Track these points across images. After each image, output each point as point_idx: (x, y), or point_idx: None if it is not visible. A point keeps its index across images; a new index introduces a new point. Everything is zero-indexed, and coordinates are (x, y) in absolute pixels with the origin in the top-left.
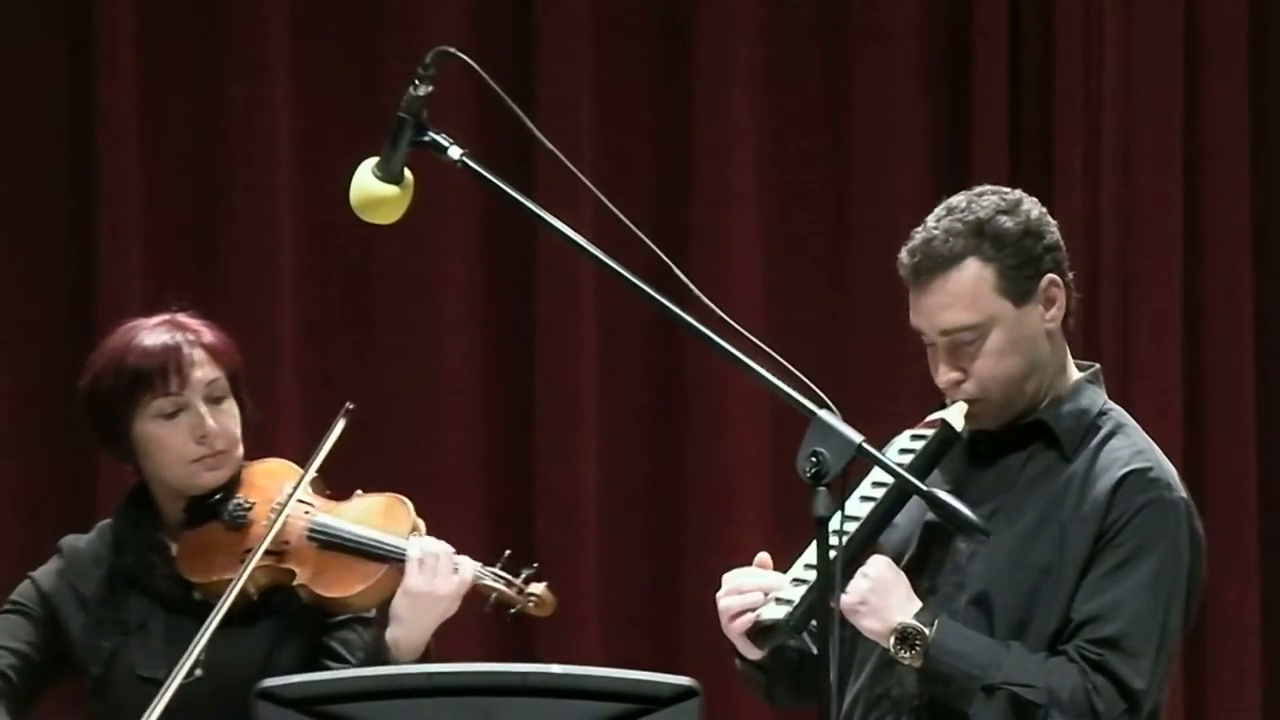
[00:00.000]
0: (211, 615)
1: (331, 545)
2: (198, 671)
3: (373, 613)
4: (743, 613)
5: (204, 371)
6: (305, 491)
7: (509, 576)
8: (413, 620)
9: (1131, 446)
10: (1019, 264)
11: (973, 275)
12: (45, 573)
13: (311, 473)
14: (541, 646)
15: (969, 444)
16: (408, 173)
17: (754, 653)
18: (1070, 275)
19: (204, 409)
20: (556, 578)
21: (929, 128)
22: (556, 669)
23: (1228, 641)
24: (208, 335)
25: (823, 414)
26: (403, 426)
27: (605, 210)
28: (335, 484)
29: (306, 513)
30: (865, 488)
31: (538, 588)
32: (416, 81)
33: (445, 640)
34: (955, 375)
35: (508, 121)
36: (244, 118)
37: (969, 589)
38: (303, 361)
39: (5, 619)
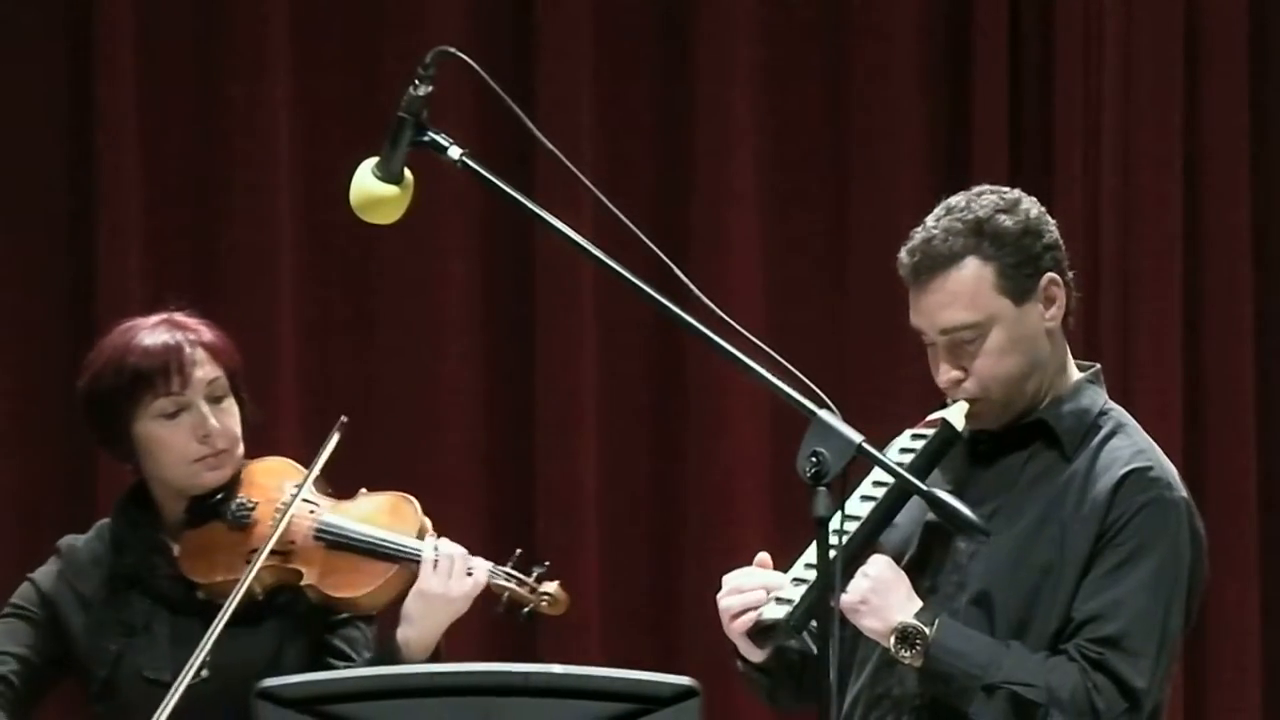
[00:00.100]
0: (219, 616)
1: (339, 545)
2: (204, 672)
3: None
4: (744, 612)
5: (205, 371)
6: (309, 491)
7: (521, 576)
8: (424, 621)
9: (1132, 446)
10: (1018, 263)
11: (972, 274)
12: (44, 574)
13: (314, 476)
14: (542, 646)
15: (970, 443)
16: (408, 173)
17: (756, 654)
18: (1070, 274)
19: (206, 408)
20: (557, 578)
21: (929, 128)
22: (557, 669)
23: (1228, 641)
24: (207, 334)
25: (823, 414)
26: (403, 426)
27: (605, 210)
28: (336, 484)
29: (311, 512)
30: (865, 487)
31: (550, 586)
32: (416, 81)
33: (446, 640)
34: (955, 374)
35: (508, 121)
36: (244, 118)
37: (970, 589)
38: (303, 361)
39: (5, 623)
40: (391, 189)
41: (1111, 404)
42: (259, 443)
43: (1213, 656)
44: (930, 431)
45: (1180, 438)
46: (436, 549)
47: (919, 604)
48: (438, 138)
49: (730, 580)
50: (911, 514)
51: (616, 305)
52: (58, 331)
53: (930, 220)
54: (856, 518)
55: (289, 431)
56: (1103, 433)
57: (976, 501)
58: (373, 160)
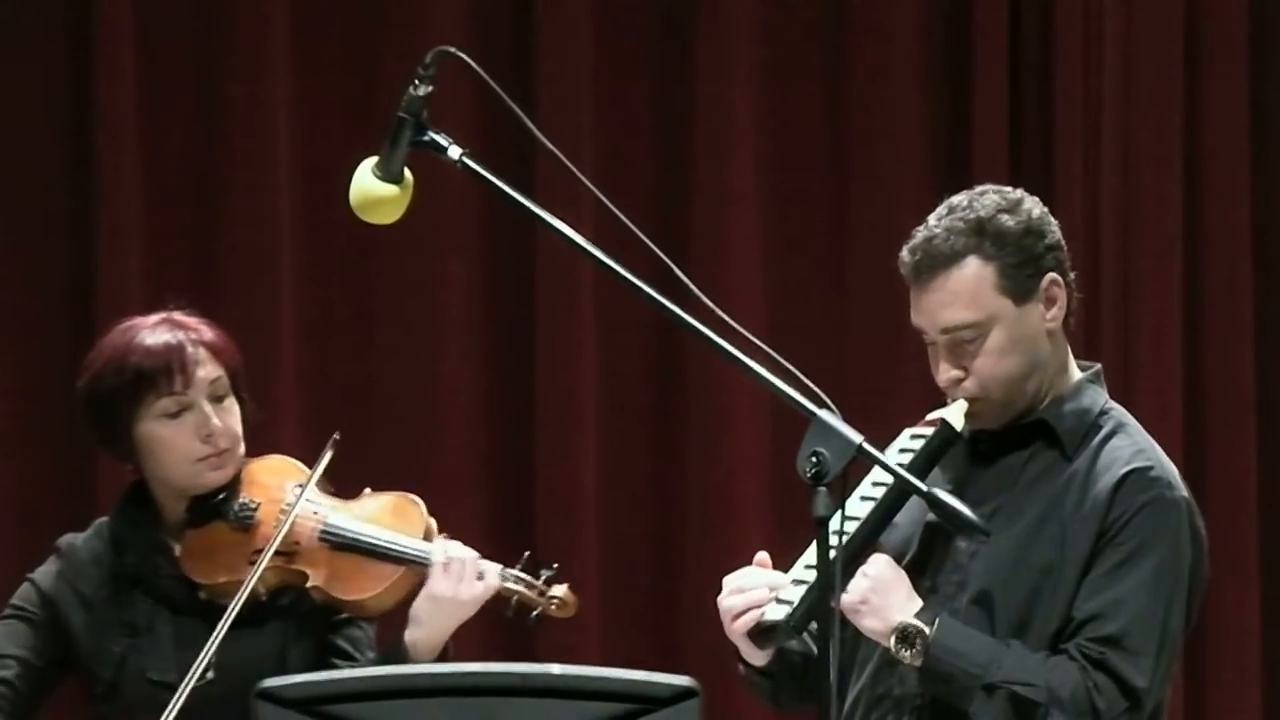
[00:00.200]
0: (225, 617)
1: (345, 547)
2: (210, 674)
3: None
4: (745, 612)
5: (207, 370)
6: (313, 491)
7: (530, 579)
8: (433, 623)
9: (1133, 445)
10: (1020, 263)
11: (973, 273)
12: (44, 574)
13: (315, 478)
14: (541, 647)
15: (970, 443)
16: (407, 173)
17: (757, 656)
18: (1071, 275)
19: (208, 408)
20: (565, 580)
21: (929, 128)
22: (557, 669)
23: (1228, 641)
24: (208, 333)
25: (823, 414)
26: (403, 426)
27: (605, 210)
28: (338, 485)
29: (316, 513)
30: (865, 487)
31: (560, 589)
32: (416, 81)
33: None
34: (956, 374)
35: (508, 121)
36: (244, 118)
37: (970, 588)
38: (303, 361)
39: (6, 624)
40: (391, 189)
41: (1112, 404)
42: (259, 442)
43: (1213, 656)
44: (930, 431)
45: (1180, 438)
46: (447, 552)
47: (919, 604)
48: (438, 138)
49: (731, 581)
50: (911, 514)
51: (616, 305)
52: (58, 331)
53: (932, 219)
54: (856, 518)
55: (289, 431)
56: (1103, 432)
57: (976, 501)
58: (372, 160)
